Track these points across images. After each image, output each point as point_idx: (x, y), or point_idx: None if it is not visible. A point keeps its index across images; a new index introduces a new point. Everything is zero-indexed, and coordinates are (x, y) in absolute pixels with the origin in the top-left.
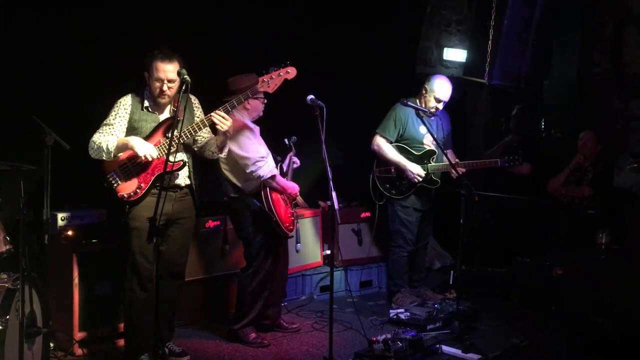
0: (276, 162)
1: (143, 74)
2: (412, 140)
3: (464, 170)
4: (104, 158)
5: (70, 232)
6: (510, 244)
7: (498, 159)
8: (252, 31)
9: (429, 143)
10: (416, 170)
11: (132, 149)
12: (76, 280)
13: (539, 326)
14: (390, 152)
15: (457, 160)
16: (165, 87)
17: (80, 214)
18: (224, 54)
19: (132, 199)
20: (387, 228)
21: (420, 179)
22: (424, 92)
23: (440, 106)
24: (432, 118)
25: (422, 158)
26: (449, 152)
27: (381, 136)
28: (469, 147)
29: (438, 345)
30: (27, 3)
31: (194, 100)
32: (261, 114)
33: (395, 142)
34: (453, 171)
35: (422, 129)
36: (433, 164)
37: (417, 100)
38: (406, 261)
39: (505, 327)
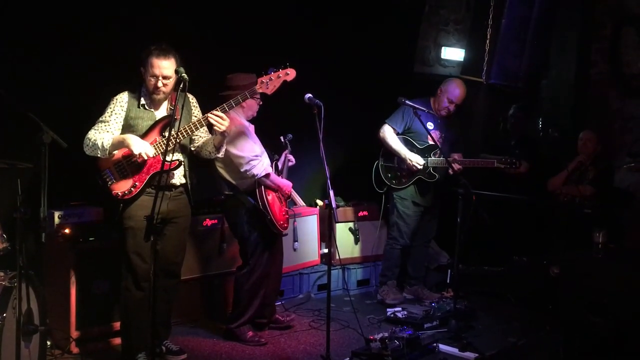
0: (272, 160)
1: (139, 70)
2: (417, 135)
3: (460, 167)
4: (99, 155)
5: (67, 230)
6: (507, 243)
7: (495, 159)
8: (251, 29)
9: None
10: (415, 159)
11: (127, 146)
12: (73, 279)
13: (536, 325)
14: (394, 141)
15: (454, 156)
16: (160, 84)
17: (78, 212)
18: (222, 52)
19: (126, 197)
20: (388, 221)
21: (419, 167)
22: (439, 92)
23: (452, 107)
24: (439, 120)
25: (424, 152)
26: (459, 156)
27: (389, 125)
28: (467, 145)
29: (435, 344)
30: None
31: (192, 99)
32: (255, 114)
33: (401, 134)
34: (450, 167)
35: (429, 125)
36: (433, 158)
37: (432, 100)
38: (399, 254)
39: (502, 326)
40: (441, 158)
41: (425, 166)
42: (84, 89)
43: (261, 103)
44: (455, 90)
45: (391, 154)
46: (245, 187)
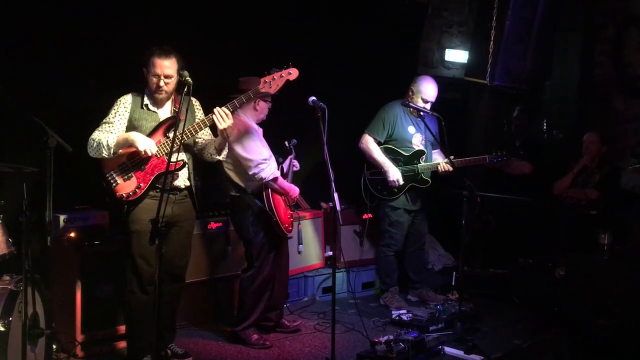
0: (277, 164)
1: (142, 71)
2: (401, 141)
3: (452, 168)
4: (104, 155)
5: (72, 234)
6: (512, 245)
7: (486, 155)
8: (254, 31)
9: (417, 143)
10: (395, 176)
11: (132, 143)
12: (78, 282)
13: (541, 327)
14: (377, 152)
15: (450, 157)
16: (162, 83)
17: (83, 216)
18: (225, 54)
19: (131, 198)
20: (378, 228)
21: (399, 184)
22: (410, 93)
23: (428, 106)
24: (419, 119)
25: (412, 158)
26: (438, 152)
27: (369, 136)
28: (471, 147)
29: (440, 347)
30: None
31: (195, 102)
32: (265, 117)
33: (384, 143)
34: (442, 167)
35: (411, 129)
36: (423, 163)
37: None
38: (393, 260)
39: (507, 328)
40: (430, 162)
41: (417, 172)
42: (89, 92)
43: (270, 105)
44: (428, 89)
45: (373, 164)
46: (252, 189)
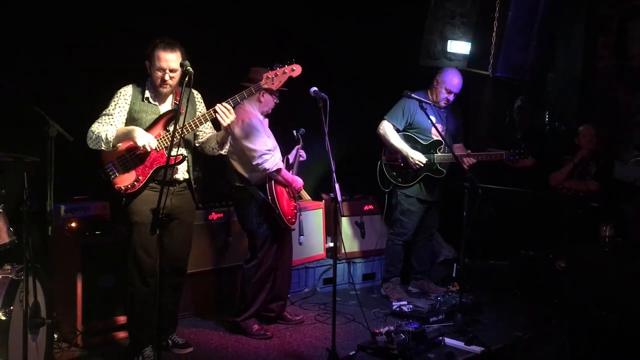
0: (283, 155)
1: (144, 64)
2: (421, 130)
3: (474, 161)
4: (102, 148)
5: (73, 224)
6: (513, 237)
7: (504, 152)
8: (256, 24)
9: (437, 134)
10: (417, 157)
11: (132, 138)
12: (79, 272)
13: (542, 319)
14: (395, 138)
15: (468, 151)
16: (167, 77)
17: (84, 206)
18: (226, 46)
19: (129, 191)
20: (390, 216)
21: (421, 165)
22: (435, 84)
23: (451, 97)
24: (442, 110)
25: (429, 148)
26: (460, 146)
27: (388, 122)
28: (473, 138)
29: (441, 338)
30: None
31: (197, 94)
32: (270, 111)
33: (403, 131)
34: (467, 162)
35: (432, 119)
36: (439, 154)
37: (429, 92)
38: (401, 250)
39: (508, 320)
40: (448, 153)
41: (432, 162)
42: (90, 83)
43: (278, 101)
44: (453, 80)
45: (391, 150)
46: (256, 180)
